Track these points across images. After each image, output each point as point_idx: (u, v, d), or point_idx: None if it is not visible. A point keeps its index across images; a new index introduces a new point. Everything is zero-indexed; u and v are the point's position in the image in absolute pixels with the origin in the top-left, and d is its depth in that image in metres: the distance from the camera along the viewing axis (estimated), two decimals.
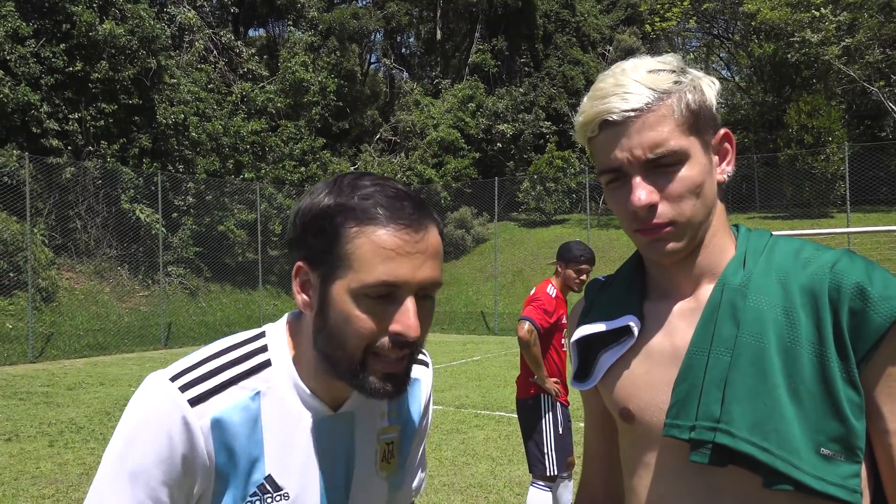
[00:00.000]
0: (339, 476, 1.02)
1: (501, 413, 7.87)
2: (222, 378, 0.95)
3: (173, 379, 0.92)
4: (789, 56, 24.25)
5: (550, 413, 4.11)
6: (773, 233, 1.04)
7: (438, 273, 0.94)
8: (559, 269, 4.19)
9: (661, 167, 0.93)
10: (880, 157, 20.46)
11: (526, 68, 31.14)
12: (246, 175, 21.35)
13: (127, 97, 18.24)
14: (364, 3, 32.00)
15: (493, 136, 28.19)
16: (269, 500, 0.95)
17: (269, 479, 0.96)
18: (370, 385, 0.92)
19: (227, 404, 0.93)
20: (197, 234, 19.40)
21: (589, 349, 1.09)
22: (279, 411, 0.97)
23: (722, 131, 0.98)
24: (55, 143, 17.28)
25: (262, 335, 1.01)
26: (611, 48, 31.91)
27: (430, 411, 1.22)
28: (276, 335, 1.01)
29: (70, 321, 15.64)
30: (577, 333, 1.09)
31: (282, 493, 0.96)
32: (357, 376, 0.92)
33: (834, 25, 22.60)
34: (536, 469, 4.14)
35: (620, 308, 1.05)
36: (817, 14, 22.70)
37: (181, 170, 19.73)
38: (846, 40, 22.81)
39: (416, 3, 31.21)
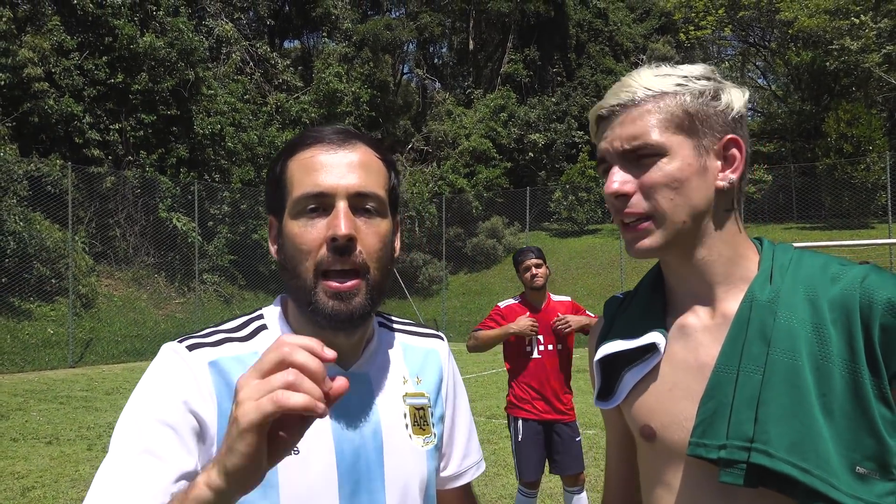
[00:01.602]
0: (367, 439, 1.01)
1: None
2: (220, 337, 1.01)
3: (178, 341, 1.00)
4: (828, 64, 23.81)
5: (513, 426, 4.25)
6: (803, 245, 1.02)
7: (368, 183, 0.97)
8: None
9: (640, 159, 0.95)
10: None
11: (558, 78, 31.07)
12: None
13: (165, 108, 18.67)
14: (397, 14, 32.28)
15: (525, 146, 28.16)
16: None
17: None
18: (321, 304, 0.94)
19: (224, 354, 0.98)
20: (232, 242, 19.70)
21: (613, 368, 1.07)
22: None
23: (726, 137, 0.96)
24: (96, 152, 17.75)
25: (257, 310, 1.09)
26: (644, 57, 31.66)
27: (458, 386, 1.22)
28: (270, 309, 1.08)
29: (108, 327, 15.98)
30: (600, 352, 1.07)
31: None
32: (311, 301, 0.95)
33: (874, 32, 22.16)
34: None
35: (644, 324, 1.03)
36: (857, 21, 22.27)
37: (217, 179, 20.09)
38: (887, 47, 22.35)
39: (449, 13, 31.36)
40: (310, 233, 0.94)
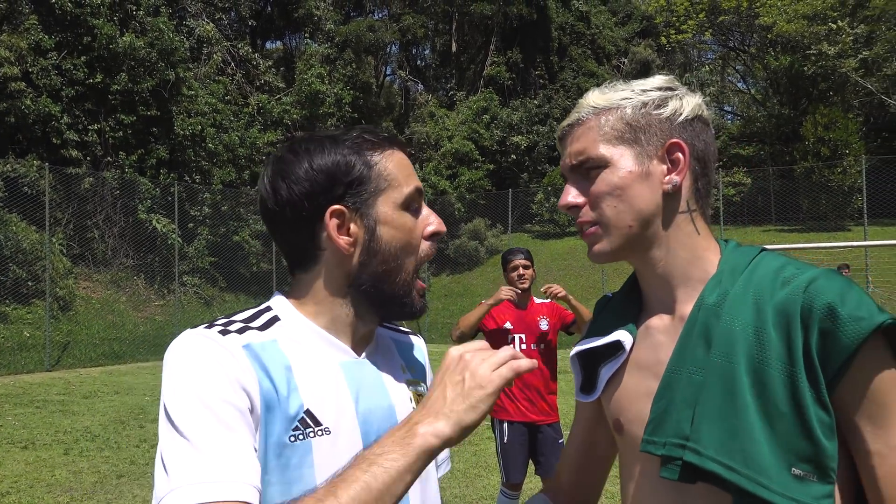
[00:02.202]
0: (384, 420, 1.02)
1: None
2: (239, 326, 0.98)
3: (205, 327, 0.97)
4: (806, 68, 24.15)
5: (498, 428, 4.28)
6: (779, 247, 1.03)
7: None
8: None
9: (588, 172, 1.02)
10: None
11: (541, 80, 31.19)
12: None
13: (145, 108, 18.47)
14: (380, 15, 32.25)
15: (508, 148, 28.21)
16: (311, 435, 0.95)
17: (308, 413, 0.95)
18: (415, 303, 1.05)
19: (251, 339, 0.96)
20: (212, 244, 19.54)
21: (592, 363, 1.12)
22: (303, 355, 1.00)
23: (669, 141, 1.00)
24: (75, 153, 17.52)
25: (262, 304, 1.08)
26: (626, 60, 31.90)
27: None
28: (276, 300, 1.07)
29: (86, 330, 15.78)
30: (575, 348, 1.14)
31: (322, 427, 0.96)
32: (408, 295, 1.03)
33: (851, 38, 22.52)
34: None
35: (616, 323, 1.09)
36: (834, 27, 22.61)
37: (197, 180, 19.92)
38: (863, 53, 22.71)
39: (432, 15, 31.37)
40: (418, 227, 1.03)
